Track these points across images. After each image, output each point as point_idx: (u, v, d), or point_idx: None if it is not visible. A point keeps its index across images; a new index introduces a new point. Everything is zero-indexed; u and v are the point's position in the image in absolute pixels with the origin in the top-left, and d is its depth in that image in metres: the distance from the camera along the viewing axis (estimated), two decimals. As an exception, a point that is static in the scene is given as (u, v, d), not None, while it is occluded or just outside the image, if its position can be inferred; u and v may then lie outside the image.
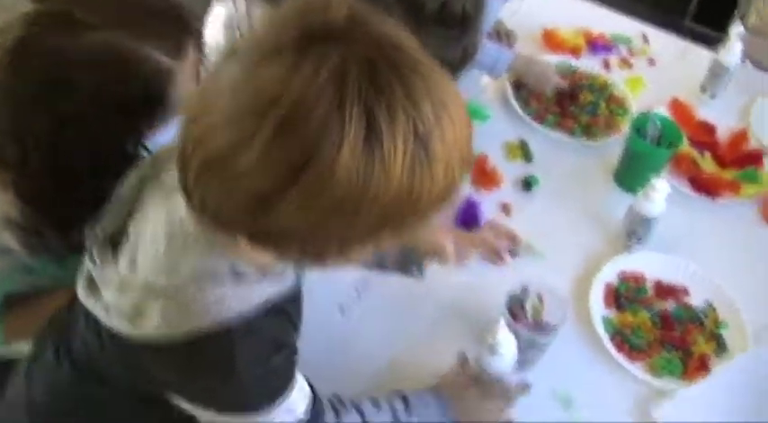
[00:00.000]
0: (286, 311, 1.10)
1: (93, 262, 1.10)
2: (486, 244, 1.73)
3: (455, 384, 1.47)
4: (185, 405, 1.12)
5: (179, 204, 0.99)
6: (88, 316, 1.11)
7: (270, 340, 1.07)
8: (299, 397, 1.18)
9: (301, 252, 0.93)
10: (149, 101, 1.25)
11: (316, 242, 0.91)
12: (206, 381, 1.06)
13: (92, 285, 1.09)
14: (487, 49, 2.15)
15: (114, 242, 1.09)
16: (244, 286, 1.01)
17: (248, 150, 0.83)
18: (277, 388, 1.13)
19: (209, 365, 1.04)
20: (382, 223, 0.89)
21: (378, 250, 0.99)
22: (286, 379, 1.15)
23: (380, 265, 1.61)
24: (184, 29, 1.32)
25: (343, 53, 0.83)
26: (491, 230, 1.76)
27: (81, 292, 1.11)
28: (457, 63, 1.59)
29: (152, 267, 1.02)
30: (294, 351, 1.14)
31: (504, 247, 1.75)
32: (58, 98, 1.21)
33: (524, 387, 1.50)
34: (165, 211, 1.04)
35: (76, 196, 1.20)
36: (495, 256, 1.75)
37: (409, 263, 1.61)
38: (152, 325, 1.00)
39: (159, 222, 1.04)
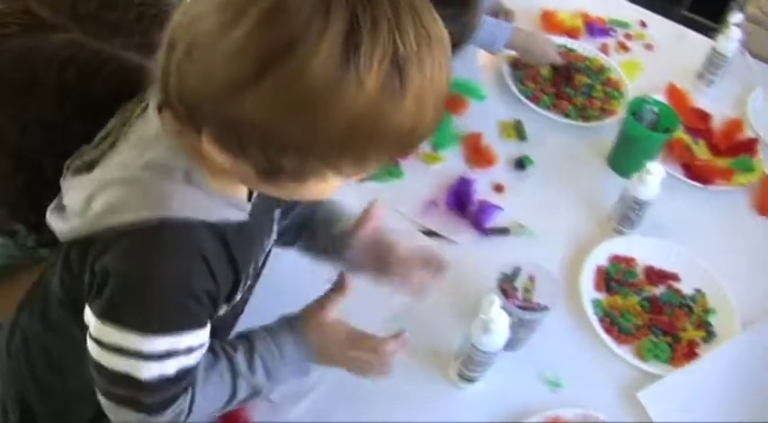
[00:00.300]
0: (231, 255, 1.06)
1: (65, 178, 1.09)
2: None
3: (321, 327, 1.31)
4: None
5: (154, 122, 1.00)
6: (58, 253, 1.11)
7: (197, 267, 1.01)
8: (187, 359, 1.07)
9: (260, 155, 0.90)
10: (120, 100, 1.22)
11: (275, 144, 0.88)
12: (116, 277, 0.99)
13: (59, 204, 1.08)
14: (486, 23, 2.13)
15: (91, 168, 1.07)
16: (193, 190, 0.99)
17: (231, 34, 0.83)
18: (172, 321, 1.03)
19: (126, 258, 0.99)
20: (343, 142, 0.87)
21: (335, 183, 0.97)
22: (191, 319, 1.05)
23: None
24: (151, 22, 1.28)
25: None
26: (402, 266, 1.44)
27: (48, 213, 1.09)
28: (456, 39, 1.57)
29: (112, 166, 1.02)
30: (216, 298, 1.06)
31: (421, 285, 1.46)
32: (23, 101, 1.17)
33: (401, 343, 1.34)
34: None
35: (48, 198, 1.18)
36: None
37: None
38: (94, 213, 0.99)
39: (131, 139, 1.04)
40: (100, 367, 1.03)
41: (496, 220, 1.82)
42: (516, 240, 1.79)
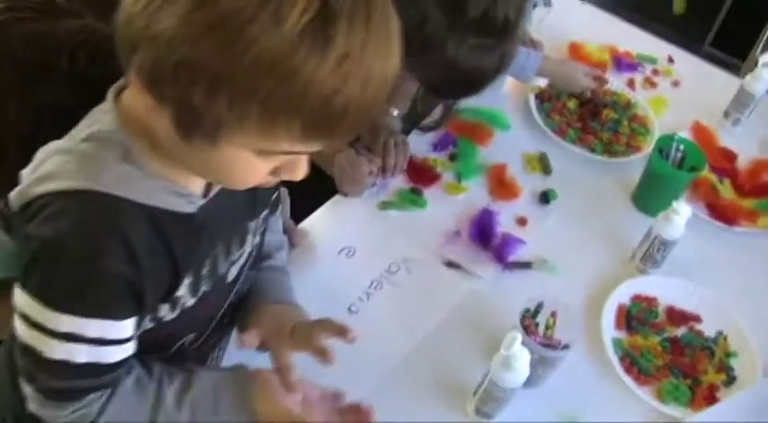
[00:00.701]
0: (169, 246, 1.04)
1: None
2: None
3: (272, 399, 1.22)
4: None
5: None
6: None
7: (112, 246, 0.97)
8: (98, 352, 1.03)
9: (173, 90, 0.86)
10: None
11: (187, 71, 0.84)
12: (33, 242, 0.98)
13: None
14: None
15: None
16: (130, 169, 0.98)
17: None
18: (74, 297, 0.99)
19: (43, 223, 0.97)
20: (253, 83, 0.83)
21: (254, 161, 0.94)
22: (96, 302, 1.00)
23: None
24: None
25: None
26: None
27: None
28: (493, 70, 1.56)
29: (64, 137, 1.02)
30: (140, 290, 1.02)
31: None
32: (35, 86, 1.18)
33: None
34: None
35: None
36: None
37: None
38: (33, 180, 0.99)
39: None
40: (15, 336, 1.02)
41: (519, 254, 1.81)
42: (538, 275, 1.78)
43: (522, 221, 1.89)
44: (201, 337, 1.29)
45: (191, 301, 1.14)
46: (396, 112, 2.00)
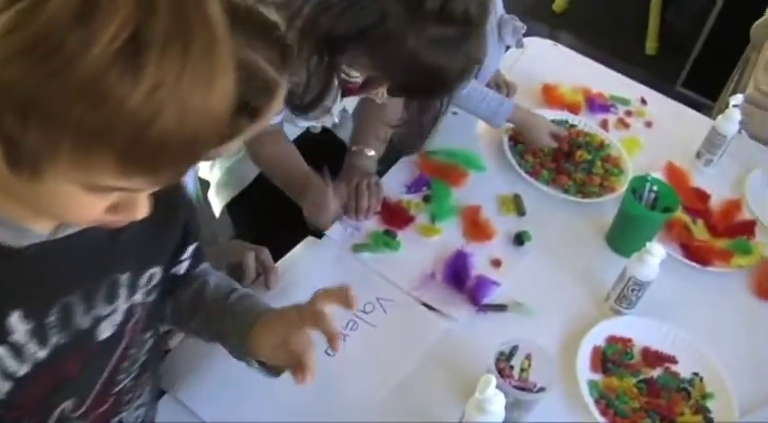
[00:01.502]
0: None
1: None
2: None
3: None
4: None
5: None
6: None
7: None
8: None
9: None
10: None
11: (4, 93, 0.79)
12: None
13: None
14: (490, 97, 2.14)
15: None
16: None
17: None
18: None
19: None
20: (64, 112, 0.78)
21: (81, 196, 0.89)
22: None
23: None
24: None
25: None
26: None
27: None
28: (457, 70, 1.56)
29: None
30: None
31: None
32: None
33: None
34: None
35: None
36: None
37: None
38: None
39: None
40: None
41: (494, 296, 1.80)
42: (513, 317, 1.77)
43: (496, 263, 1.88)
44: (84, 405, 1.21)
45: (41, 353, 1.07)
46: (371, 153, 2.00)
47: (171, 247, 1.29)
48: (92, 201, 0.90)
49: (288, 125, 1.96)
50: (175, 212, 1.25)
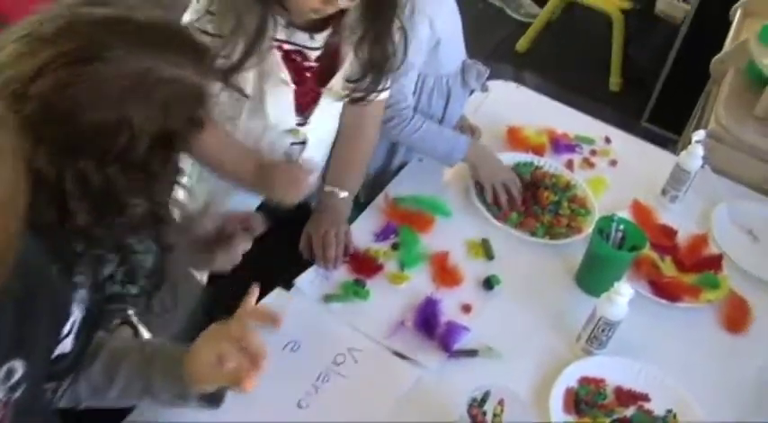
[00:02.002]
0: None
1: None
2: None
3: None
4: None
5: None
6: None
7: None
8: None
9: None
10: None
11: None
12: None
13: None
14: (447, 134, 2.17)
15: None
16: None
17: None
18: None
19: None
20: None
21: None
22: None
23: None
24: None
25: None
26: None
27: None
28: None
29: None
30: None
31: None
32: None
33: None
34: None
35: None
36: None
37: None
38: None
39: None
40: None
41: (464, 342, 1.80)
42: (484, 362, 1.77)
43: (466, 308, 1.89)
44: None
45: None
46: (343, 195, 2.02)
47: (38, 333, 1.16)
48: None
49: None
50: (34, 295, 1.11)
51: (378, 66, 1.85)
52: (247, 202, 1.99)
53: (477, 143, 2.25)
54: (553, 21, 5.14)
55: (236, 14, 1.66)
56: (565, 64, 4.94)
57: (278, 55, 1.78)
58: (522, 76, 4.29)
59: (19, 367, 1.09)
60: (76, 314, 1.25)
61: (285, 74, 1.81)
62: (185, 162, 1.34)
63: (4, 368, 1.07)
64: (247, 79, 1.80)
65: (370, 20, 1.78)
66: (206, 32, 1.72)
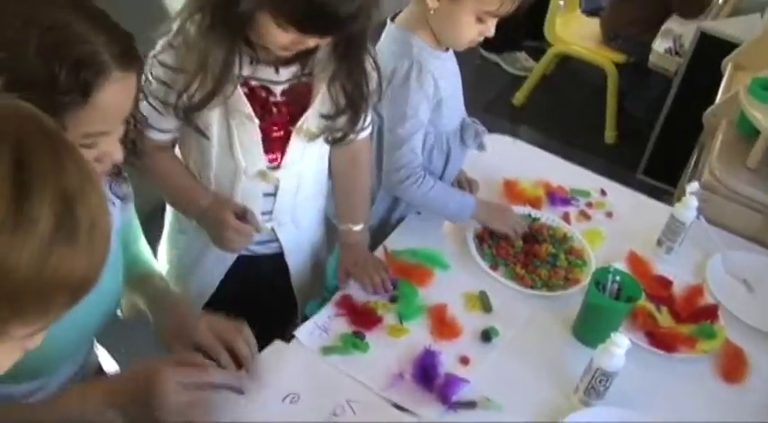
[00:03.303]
0: None
1: None
2: None
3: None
4: None
5: None
6: None
7: None
8: None
9: None
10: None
11: None
12: None
13: None
14: (452, 194, 2.20)
15: None
16: None
17: None
18: None
19: None
20: (27, 285, 0.87)
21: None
22: None
23: None
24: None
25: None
26: None
27: None
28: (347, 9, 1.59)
29: None
30: None
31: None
32: None
33: None
34: None
35: None
36: None
37: None
38: None
39: None
40: None
41: (463, 394, 1.81)
42: (483, 414, 1.78)
43: (464, 360, 1.90)
44: None
45: None
46: (358, 227, 2.11)
47: None
48: (14, 347, 0.97)
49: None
50: None
51: (353, 105, 1.87)
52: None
53: (483, 200, 2.28)
54: (548, 74, 5.21)
55: (200, 51, 1.67)
56: (560, 117, 5.00)
57: (242, 91, 1.78)
58: (518, 130, 4.35)
59: None
60: None
61: (249, 109, 1.81)
62: None
63: None
64: (212, 118, 1.81)
65: (340, 57, 1.80)
66: (165, 65, 1.74)
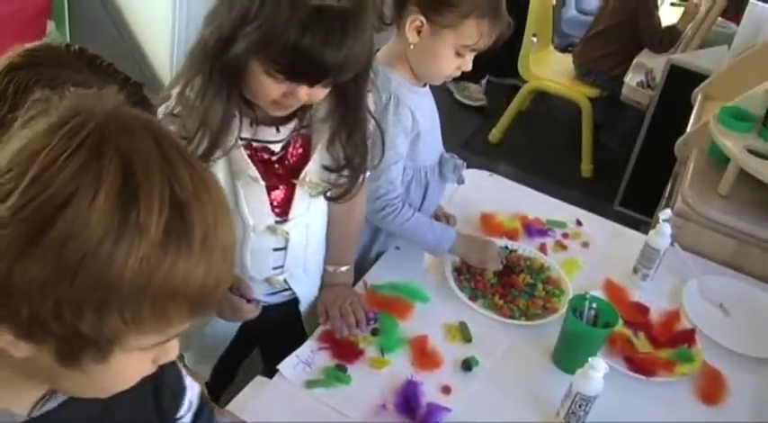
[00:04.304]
0: None
1: None
2: None
3: None
4: None
5: None
6: None
7: None
8: None
9: (57, 326, 0.87)
10: None
11: (70, 308, 0.85)
12: None
13: None
14: (434, 227, 2.25)
15: None
16: None
17: (9, 200, 0.85)
18: None
19: None
20: (138, 296, 0.87)
21: (142, 360, 0.97)
22: None
23: None
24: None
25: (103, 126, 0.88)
26: None
27: None
28: (335, 59, 1.59)
29: None
30: None
31: None
32: None
33: None
34: None
35: None
36: None
37: None
38: None
39: None
40: None
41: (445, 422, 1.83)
42: (466, 441, 1.80)
43: (446, 390, 1.92)
44: None
45: None
46: (344, 268, 2.14)
47: (162, 414, 1.28)
48: (146, 358, 0.99)
49: None
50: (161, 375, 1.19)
51: (353, 165, 1.88)
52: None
53: (464, 234, 2.32)
54: (524, 111, 5.27)
55: (199, 113, 1.68)
56: (537, 153, 5.06)
57: (245, 153, 1.80)
58: (495, 166, 4.39)
59: None
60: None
61: (253, 170, 1.82)
62: None
63: None
64: (219, 181, 1.80)
65: (340, 116, 1.82)
66: None
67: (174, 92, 1.74)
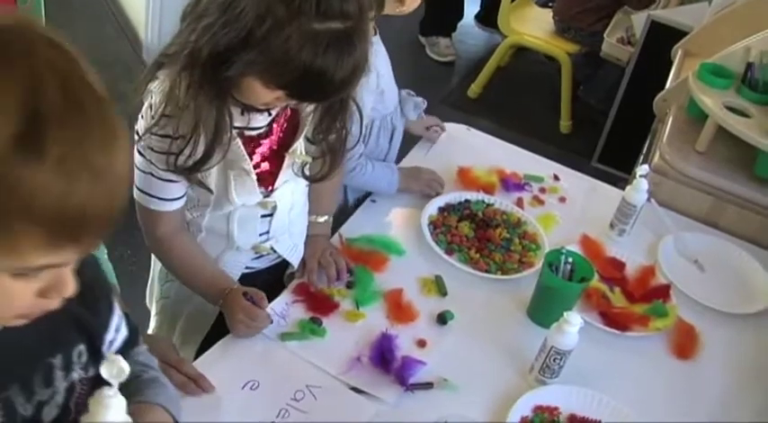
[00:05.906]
0: None
1: None
2: None
3: None
4: None
5: None
6: None
7: None
8: None
9: None
10: None
11: None
12: None
13: None
14: (385, 172, 2.33)
15: None
16: None
17: None
18: None
19: None
20: None
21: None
22: None
23: None
24: None
25: None
26: None
27: None
28: (342, 73, 1.57)
29: None
30: None
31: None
32: None
33: None
34: None
35: None
36: None
37: None
38: None
39: None
40: None
41: (420, 376, 1.83)
42: (440, 394, 1.80)
43: (421, 343, 1.92)
44: None
45: None
46: (322, 219, 2.13)
47: (94, 324, 1.26)
48: (21, 287, 0.93)
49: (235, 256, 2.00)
50: (93, 289, 1.22)
51: (334, 151, 1.89)
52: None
53: (402, 169, 2.40)
54: (503, 66, 5.24)
55: (193, 113, 1.64)
56: (516, 108, 5.04)
57: (239, 142, 1.77)
58: (474, 122, 4.35)
59: (84, 352, 1.23)
60: None
61: (248, 164, 1.80)
62: None
63: (77, 350, 1.22)
64: (211, 172, 1.79)
65: (326, 109, 1.82)
66: (168, 136, 1.69)
67: (153, 87, 1.70)
